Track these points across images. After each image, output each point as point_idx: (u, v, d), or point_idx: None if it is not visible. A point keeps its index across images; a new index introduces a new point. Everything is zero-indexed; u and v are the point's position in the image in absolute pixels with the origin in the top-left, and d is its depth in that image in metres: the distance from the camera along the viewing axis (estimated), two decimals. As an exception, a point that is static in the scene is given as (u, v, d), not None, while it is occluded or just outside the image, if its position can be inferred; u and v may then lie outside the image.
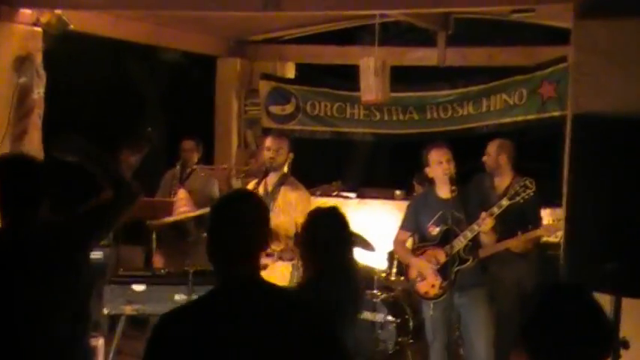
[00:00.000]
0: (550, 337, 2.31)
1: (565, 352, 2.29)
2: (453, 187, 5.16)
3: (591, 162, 3.90)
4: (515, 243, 5.40)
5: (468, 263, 5.22)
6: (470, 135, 7.52)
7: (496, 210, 5.10)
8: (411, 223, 5.49)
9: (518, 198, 5.08)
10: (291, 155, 5.55)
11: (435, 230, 5.32)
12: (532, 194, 5.10)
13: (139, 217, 7.15)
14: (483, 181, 6.20)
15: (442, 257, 5.27)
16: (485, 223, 5.07)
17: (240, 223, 2.54)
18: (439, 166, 5.25)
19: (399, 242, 5.58)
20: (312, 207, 5.15)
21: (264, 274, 5.66)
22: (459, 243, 5.20)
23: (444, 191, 5.29)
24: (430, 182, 5.63)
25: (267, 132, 8.34)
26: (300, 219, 5.46)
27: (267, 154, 5.49)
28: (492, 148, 6.29)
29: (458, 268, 5.21)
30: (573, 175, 4.09)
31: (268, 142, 5.54)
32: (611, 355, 3.72)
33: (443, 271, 5.26)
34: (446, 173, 5.21)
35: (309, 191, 5.74)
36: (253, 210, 2.59)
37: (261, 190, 5.52)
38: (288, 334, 2.42)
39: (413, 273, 5.47)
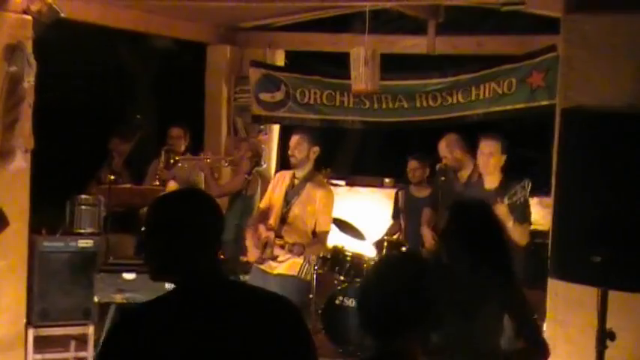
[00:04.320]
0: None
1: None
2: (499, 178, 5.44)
3: (579, 155, 3.93)
4: (501, 212, 5.28)
5: None
6: (459, 123, 7.54)
7: (505, 200, 5.18)
8: None
9: (515, 199, 5.14)
10: (316, 149, 5.60)
11: None
12: (526, 196, 5.18)
13: (129, 204, 7.18)
14: (446, 174, 6.37)
15: None
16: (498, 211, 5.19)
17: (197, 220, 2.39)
18: (481, 156, 5.54)
19: None
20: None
21: (274, 264, 5.69)
22: None
23: (488, 182, 5.51)
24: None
25: (256, 119, 8.36)
26: (321, 215, 5.57)
27: (288, 153, 5.60)
28: (443, 149, 6.52)
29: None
30: (562, 168, 4.12)
31: (290, 141, 5.63)
32: (597, 347, 3.78)
33: None
34: (485, 166, 5.50)
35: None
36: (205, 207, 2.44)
37: (287, 185, 5.60)
38: (257, 327, 2.33)
39: None
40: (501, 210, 5.20)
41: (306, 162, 5.59)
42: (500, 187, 5.43)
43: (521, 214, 5.31)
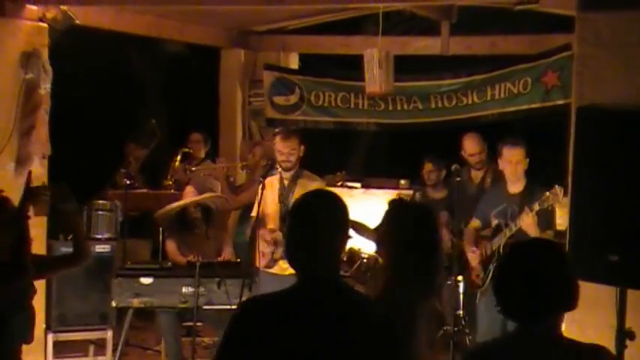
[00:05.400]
0: (513, 286, 2.54)
1: (525, 299, 2.52)
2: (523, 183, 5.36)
3: (595, 154, 3.92)
4: (529, 221, 5.20)
5: None
6: (474, 124, 7.52)
7: (534, 208, 5.13)
8: (480, 212, 5.64)
9: (546, 205, 5.10)
10: (303, 148, 5.64)
11: (494, 222, 5.45)
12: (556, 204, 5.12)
13: (145, 209, 7.20)
14: (460, 174, 6.34)
15: (488, 251, 5.42)
16: (523, 221, 5.15)
17: (319, 223, 2.53)
18: (508, 165, 5.43)
19: (469, 229, 5.69)
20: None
21: (284, 265, 5.66)
22: (499, 240, 5.33)
23: (512, 186, 5.42)
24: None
25: (271, 123, 8.37)
26: None
27: (279, 157, 5.60)
28: (478, 145, 6.45)
29: (496, 264, 5.29)
30: (577, 167, 4.11)
31: (279, 145, 5.62)
32: (616, 347, 3.76)
33: (485, 264, 5.42)
34: (513, 174, 5.40)
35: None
36: (333, 210, 2.57)
37: (278, 188, 5.62)
38: (360, 340, 2.43)
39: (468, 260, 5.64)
40: (527, 220, 5.13)
41: (297, 164, 5.65)
42: (525, 191, 5.35)
43: (547, 220, 5.25)
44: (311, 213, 2.56)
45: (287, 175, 5.65)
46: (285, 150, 5.58)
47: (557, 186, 5.06)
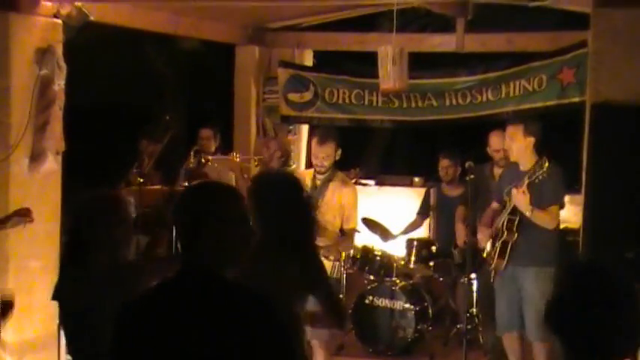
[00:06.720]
0: (573, 319, 2.24)
1: (588, 332, 2.23)
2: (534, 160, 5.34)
3: (610, 150, 3.90)
4: (519, 197, 5.24)
5: (504, 237, 5.34)
6: (489, 121, 7.48)
7: (524, 182, 5.18)
8: (496, 194, 5.73)
9: (534, 177, 5.13)
10: (339, 151, 5.54)
11: (506, 200, 5.50)
12: (545, 174, 5.10)
13: (159, 206, 7.21)
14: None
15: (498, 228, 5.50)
16: (514, 197, 5.21)
17: (200, 213, 2.45)
18: (508, 142, 5.59)
19: (488, 210, 5.76)
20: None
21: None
22: (502, 217, 5.40)
23: (523, 165, 5.43)
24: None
25: (285, 119, 8.37)
26: (349, 212, 5.53)
27: (314, 160, 5.52)
28: (501, 142, 6.42)
29: (501, 240, 5.36)
30: (592, 163, 4.09)
31: (315, 149, 5.54)
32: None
33: (493, 241, 5.50)
34: (509, 150, 5.56)
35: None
36: (232, 207, 2.48)
37: (309, 187, 5.54)
38: (234, 336, 2.33)
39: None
40: (517, 196, 5.17)
41: (332, 167, 5.56)
42: (531, 168, 5.36)
43: (543, 196, 5.20)
44: (192, 202, 2.50)
45: (320, 176, 5.58)
46: (320, 155, 5.48)
47: (544, 158, 5.11)
